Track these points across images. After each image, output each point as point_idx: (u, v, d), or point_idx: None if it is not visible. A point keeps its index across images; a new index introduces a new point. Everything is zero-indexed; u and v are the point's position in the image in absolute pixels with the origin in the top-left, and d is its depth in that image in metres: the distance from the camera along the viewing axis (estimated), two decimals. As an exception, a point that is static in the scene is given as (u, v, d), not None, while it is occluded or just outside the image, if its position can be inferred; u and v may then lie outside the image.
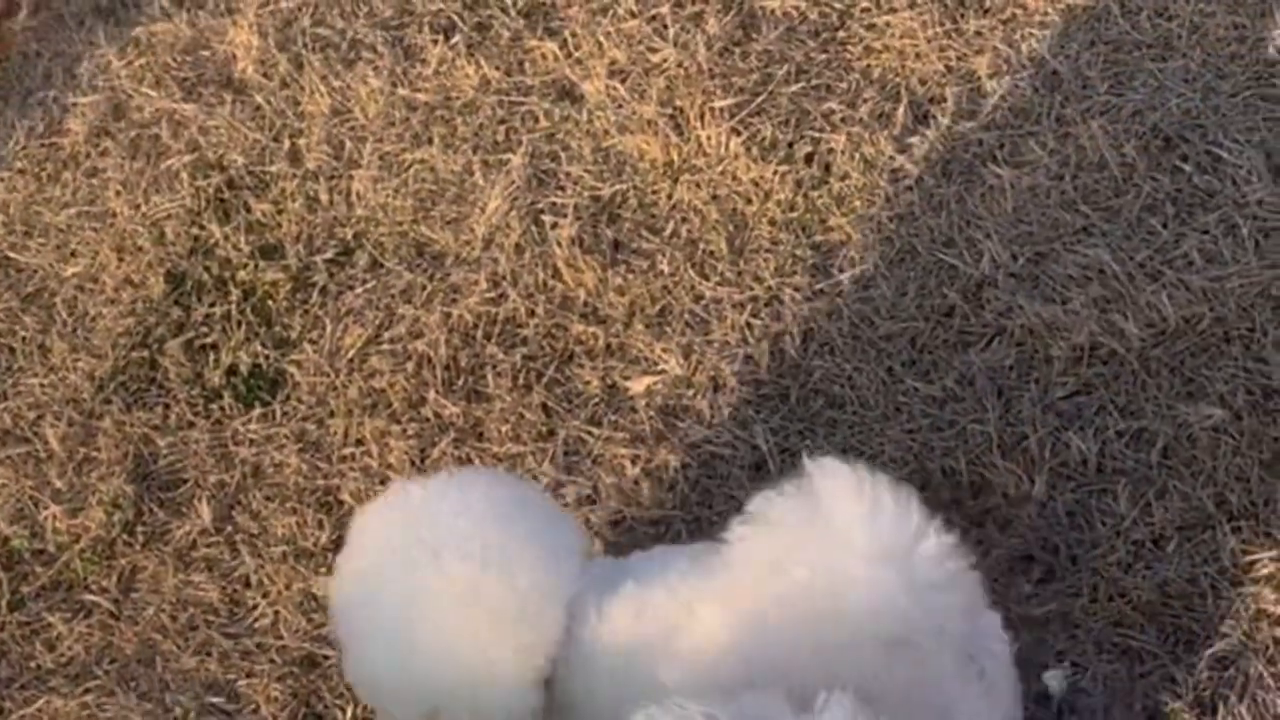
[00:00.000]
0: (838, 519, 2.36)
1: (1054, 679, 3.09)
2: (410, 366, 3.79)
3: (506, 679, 2.56)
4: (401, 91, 4.29)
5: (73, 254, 4.20)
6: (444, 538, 2.59)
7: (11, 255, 4.22)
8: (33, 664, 3.57)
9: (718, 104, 4.05)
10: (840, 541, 2.35)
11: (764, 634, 2.39)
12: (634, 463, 3.58)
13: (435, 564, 2.57)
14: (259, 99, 4.39)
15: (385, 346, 3.85)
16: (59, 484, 3.79)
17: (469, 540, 2.59)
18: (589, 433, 3.64)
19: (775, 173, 3.94)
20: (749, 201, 3.92)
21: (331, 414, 3.76)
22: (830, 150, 3.95)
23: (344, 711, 3.35)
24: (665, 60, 4.20)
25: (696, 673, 2.43)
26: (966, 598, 2.42)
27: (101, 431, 3.86)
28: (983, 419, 3.45)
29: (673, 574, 2.54)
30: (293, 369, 3.86)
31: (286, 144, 4.29)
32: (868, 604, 2.33)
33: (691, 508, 3.49)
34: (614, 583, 2.58)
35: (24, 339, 4.07)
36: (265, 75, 4.42)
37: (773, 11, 4.24)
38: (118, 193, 4.27)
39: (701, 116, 4.05)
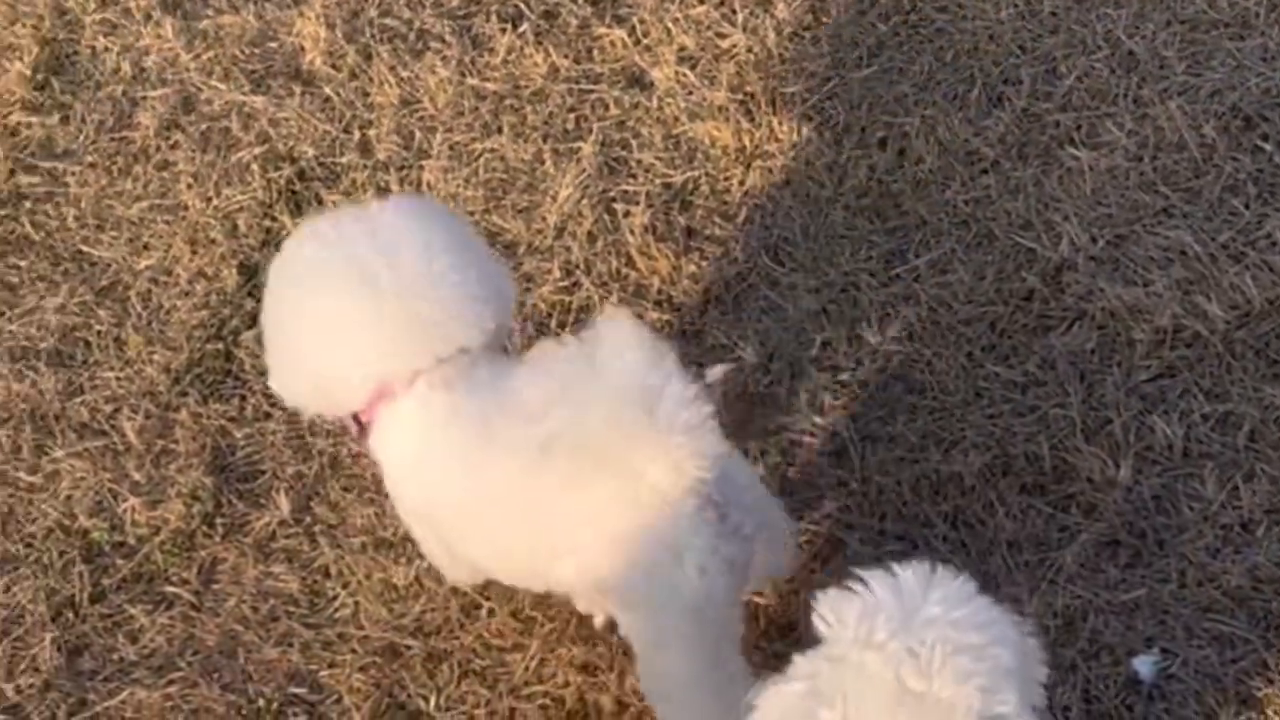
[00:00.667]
0: (600, 362, 2.63)
1: (1144, 665, 3.07)
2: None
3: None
4: (470, 81, 4.29)
5: (145, 247, 4.21)
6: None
7: (85, 249, 4.23)
8: (116, 656, 3.58)
9: (789, 89, 4.03)
10: (599, 382, 2.63)
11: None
12: (712, 450, 3.55)
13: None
14: (328, 90, 4.39)
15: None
16: (137, 476, 3.80)
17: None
18: (666, 421, 3.62)
19: (849, 158, 3.92)
20: (822, 186, 3.90)
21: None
22: (904, 134, 3.93)
23: (427, 701, 3.35)
24: (735, 46, 4.19)
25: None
26: (709, 444, 2.62)
27: (178, 424, 3.87)
28: (1065, 403, 3.43)
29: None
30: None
31: (356, 135, 4.28)
32: (617, 439, 2.61)
33: (777, 494, 3.46)
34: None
35: (99, 332, 4.08)
36: (334, 67, 4.41)
37: (843, -5, 4.20)
38: (189, 185, 4.27)
39: (773, 102, 4.03)
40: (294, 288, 2.98)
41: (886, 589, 2.18)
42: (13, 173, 4.42)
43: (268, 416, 3.85)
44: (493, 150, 4.17)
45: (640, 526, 2.66)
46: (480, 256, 3.02)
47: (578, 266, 3.89)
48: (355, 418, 3.00)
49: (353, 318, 2.88)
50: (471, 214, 4.06)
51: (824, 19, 4.18)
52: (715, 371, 3.67)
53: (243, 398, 3.89)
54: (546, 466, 2.67)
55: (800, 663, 2.23)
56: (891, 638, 2.14)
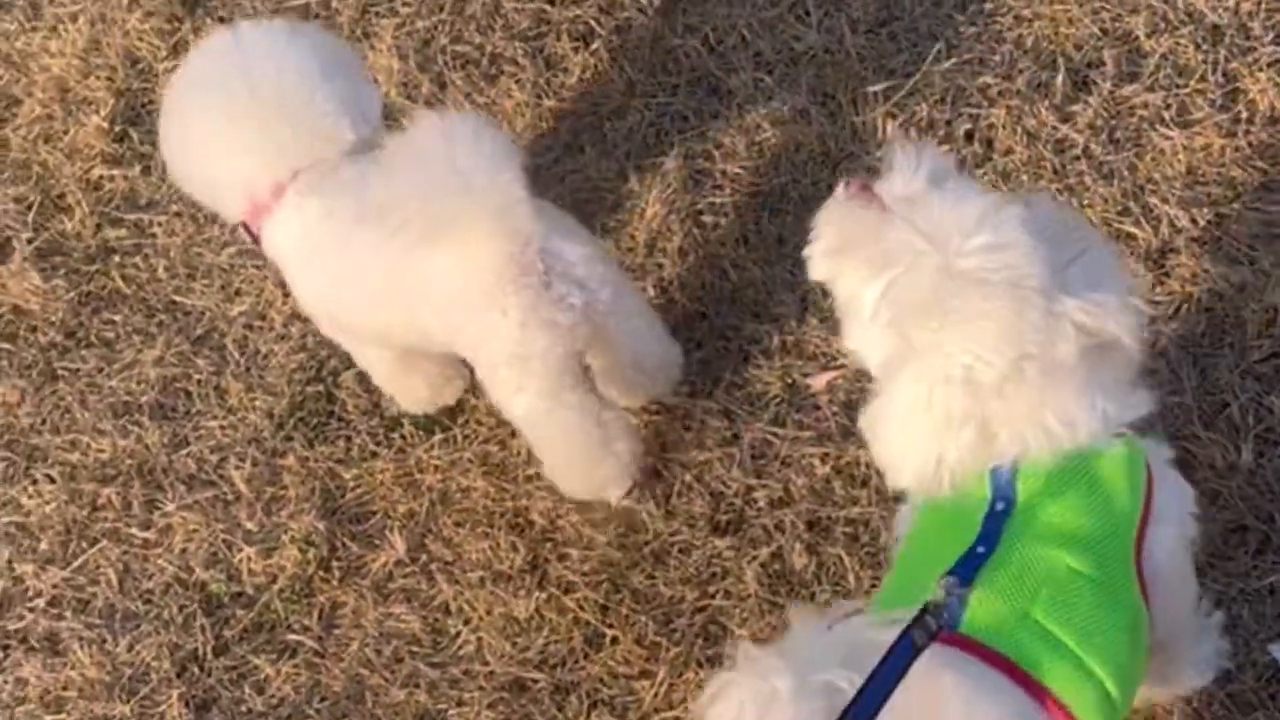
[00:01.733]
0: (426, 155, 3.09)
1: (1281, 651, 3.03)
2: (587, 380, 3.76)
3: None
4: (548, 103, 4.27)
5: (238, 293, 4.22)
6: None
7: (177, 299, 4.24)
8: (244, 708, 3.60)
9: (871, 89, 4.00)
10: (432, 173, 3.08)
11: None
12: (823, 461, 3.55)
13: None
14: (405, 123, 4.37)
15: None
16: (250, 525, 3.81)
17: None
18: (774, 434, 3.61)
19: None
20: (912, 185, 3.85)
21: (513, 434, 3.74)
22: (990, 125, 3.89)
23: (558, 735, 3.35)
24: (811, 48, 4.16)
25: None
26: (517, 222, 3.12)
27: (286, 469, 3.87)
28: (1180, 390, 3.38)
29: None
30: (469, 393, 3.84)
31: (438, 165, 4.26)
32: (446, 221, 3.10)
33: (888, 503, 3.44)
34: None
35: (199, 382, 4.09)
36: (409, 97, 4.41)
37: (915, -12, 4.16)
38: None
39: (854, 102, 4.00)
40: (175, 105, 3.45)
41: None
42: (99, 227, 4.44)
43: (374, 456, 3.85)
44: (575, 171, 4.16)
45: (476, 289, 3.15)
46: (341, 74, 3.40)
47: (671, 282, 3.88)
48: (246, 229, 3.46)
49: (218, 137, 3.32)
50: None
51: (898, 14, 4.15)
52: (819, 380, 3.65)
53: (348, 439, 3.90)
54: (396, 246, 3.11)
55: None
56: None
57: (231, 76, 3.36)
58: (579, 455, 3.53)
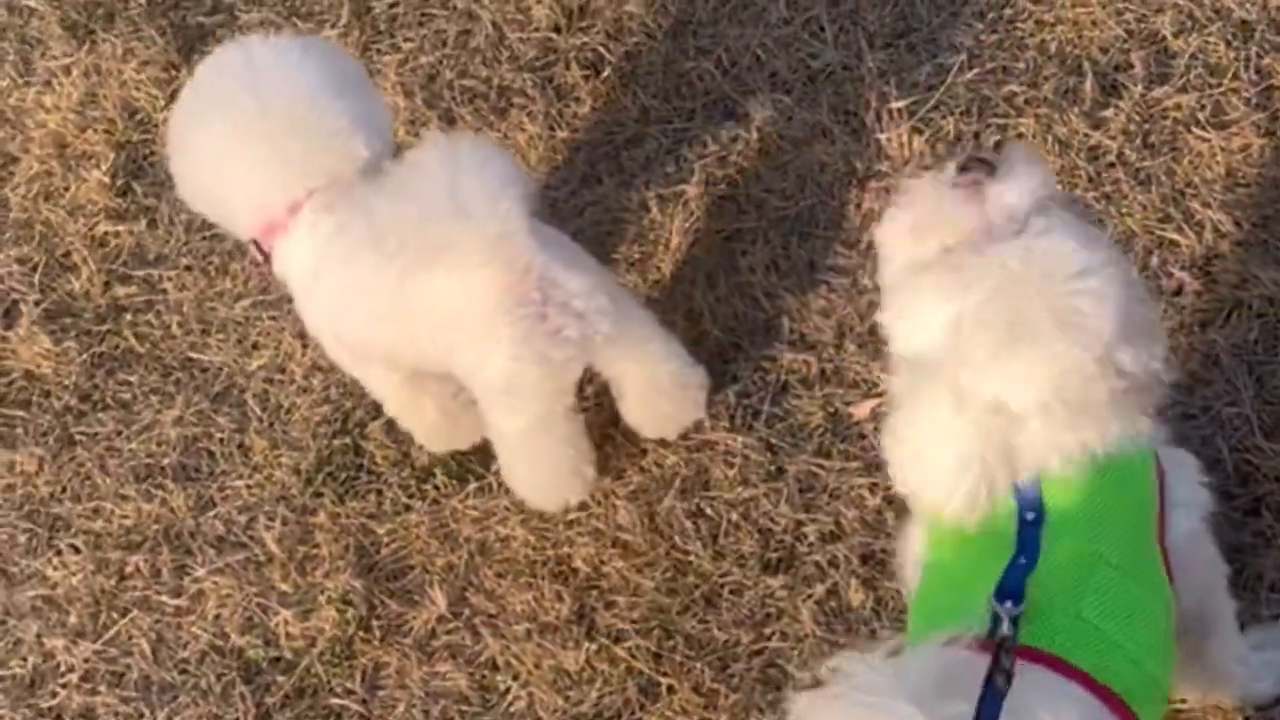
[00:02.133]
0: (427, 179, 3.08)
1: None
2: (623, 422, 3.66)
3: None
4: (561, 134, 4.18)
5: (255, 346, 4.12)
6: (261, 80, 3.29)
7: (193, 355, 4.14)
8: (292, 778, 3.49)
9: (893, 103, 3.90)
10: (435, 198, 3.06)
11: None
12: (873, 492, 3.46)
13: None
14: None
15: (592, 401, 3.73)
16: (284, 587, 3.71)
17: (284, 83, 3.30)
18: (820, 466, 3.52)
19: (966, 167, 3.77)
20: (944, 201, 3.75)
21: (550, 479, 3.64)
22: (1020, 135, 3.80)
23: (619, 790, 3.25)
24: (829, 64, 4.06)
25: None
26: (515, 251, 3.10)
27: (317, 527, 3.77)
28: (1237, 400, 3.30)
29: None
30: (498, 436, 3.74)
31: (452, 203, 4.16)
32: (444, 246, 3.07)
33: (942, 531, 3.33)
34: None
35: (221, 440, 3.99)
36: (418, 135, 4.30)
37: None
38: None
39: (878, 118, 3.91)
40: (187, 124, 3.41)
41: None
42: (108, 285, 4.34)
43: (408, 509, 3.75)
44: (594, 202, 4.06)
45: (471, 317, 3.13)
46: (353, 91, 3.37)
47: (702, 314, 3.78)
48: (257, 246, 3.40)
49: (231, 155, 3.28)
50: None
51: (915, 25, 4.05)
52: (862, 408, 3.55)
53: (379, 492, 3.80)
54: (394, 268, 3.09)
55: None
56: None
57: (242, 92, 3.32)
58: (551, 476, 3.54)
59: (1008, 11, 3.98)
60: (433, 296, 3.17)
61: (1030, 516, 2.49)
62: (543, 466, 3.52)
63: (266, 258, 3.46)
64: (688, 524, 3.53)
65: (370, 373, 3.61)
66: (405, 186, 3.16)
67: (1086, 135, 3.72)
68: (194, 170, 3.44)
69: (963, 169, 2.51)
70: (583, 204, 4.07)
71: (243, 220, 3.44)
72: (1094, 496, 2.50)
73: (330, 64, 3.42)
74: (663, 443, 3.63)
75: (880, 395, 3.55)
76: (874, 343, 3.62)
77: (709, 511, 3.53)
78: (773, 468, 3.55)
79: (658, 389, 3.51)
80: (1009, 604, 2.37)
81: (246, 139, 3.29)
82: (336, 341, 3.52)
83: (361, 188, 3.30)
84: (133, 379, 4.17)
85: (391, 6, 4.59)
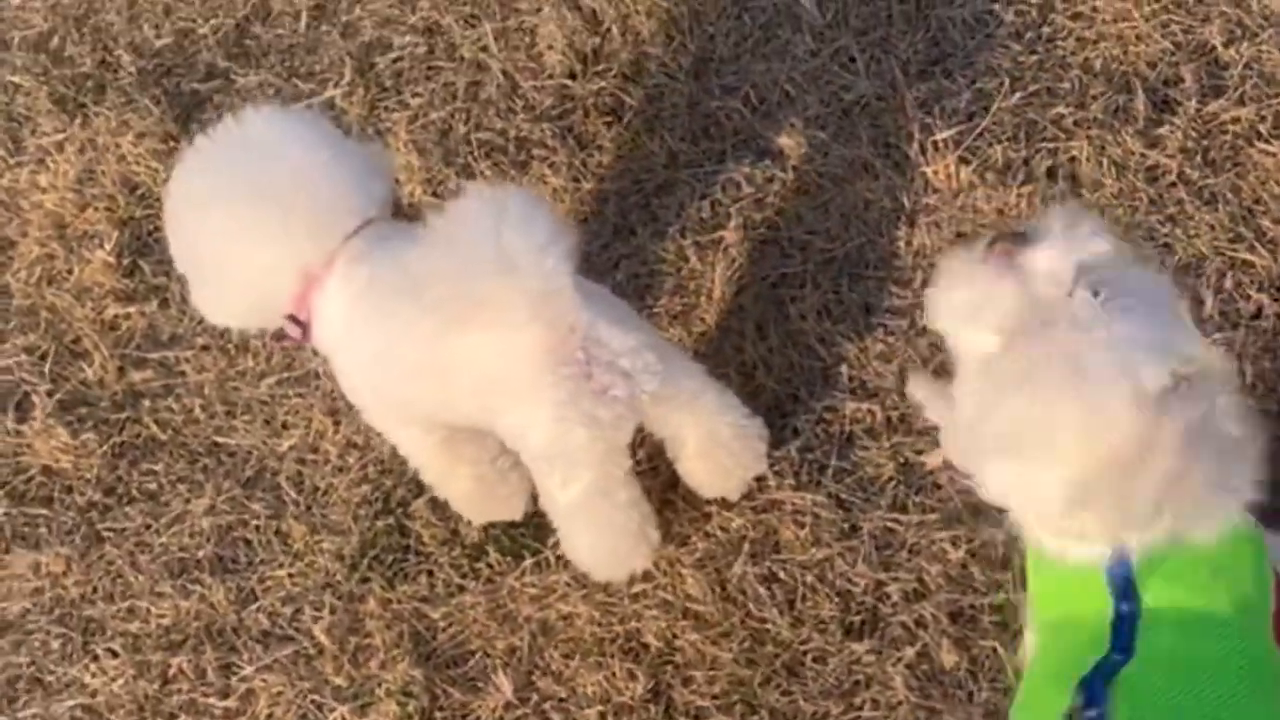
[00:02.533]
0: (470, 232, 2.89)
1: None
2: (682, 483, 3.50)
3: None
4: (587, 185, 4.01)
5: (284, 426, 3.94)
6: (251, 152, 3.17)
7: (219, 440, 3.96)
8: None
9: (939, 135, 3.74)
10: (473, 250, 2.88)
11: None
12: (955, 545, 3.30)
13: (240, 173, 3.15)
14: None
15: (645, 465, 3.56)
16: (339, 681, 3.53)
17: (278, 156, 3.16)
18: (896, 521, 3.36)
19: (1019, 195, 3.64)
20: (999, 232, 3.60)
21: (611, 552, 3.47)
22: (1072, 159, 3.65)
23: None
24: (863, 96, 3.91)
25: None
26: (560, 309, 2.94)
27: (368, 615, 3.60)
28: (1333, 428, 3.13)
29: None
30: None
31: (478, 264, 3.99)
32: (483, 301, 2.91)
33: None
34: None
35: (258, 528, 3.82)
36: (436, 194, 4.15)
37: (963, 20, 3.92)
38: (314, 351, 3.98)
39: (922, 150, 3.75)
40: (195, 211, 3.23)
41: None
42: (122, 371, 4.16)
43: (462, 590, 3.59)
44: (629, 255, 3.90)
45: (513, 377, 2.99)
46: (349, 142, 3.34)
47: (755, 366, 3.62)
48: (294, 320, 3.22)
49: (260, 221, 3.13)
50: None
51: (949, 50, 3.90)
52: (935, 456, 3.40)
53: (430, 573, 3.63)
54: (431, 323, 2.96)
55: None
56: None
57: (256, 167, 3.21)
58: (613, 545, 3.37)
59: (1045, 30, 3.83)
60: (472, 354, 3.03)
61: (1125, 609, 2.33)
62: (604, 535, 3.35)
63: (305, 330, 3.29)
64: (761, 590, 3.37)
65: (406, 435, 3.44)
66: (447, 238, 3.00)
67: (1143, 155, 3.58)
68: (217, 259, 3.25)
69: (991, 243, 2.35)
70: (616, 257, 3.90)
71: (282, 289, 3.25)
72: (1193, 580, 2.35)
73: (317, 125, 3.36)
74: (726, 505, 3.46)
75: (953, 442, 3.38)
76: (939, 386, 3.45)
77: (782, 575, 3.37)
78: (846, 525, 3.38)
79: (716, 443, 3.36)
80: (1092, 712, 2.19)
81: (274, 200, 3.17)
82: (374, 398, 3.35)
83: (397, 238, 3.20)
84: (158, 468, 3.99)
85: (396, 61, 4.43)
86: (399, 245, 3.16)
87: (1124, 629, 2.32)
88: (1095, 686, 2.24)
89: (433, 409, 3.27)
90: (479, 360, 3.03)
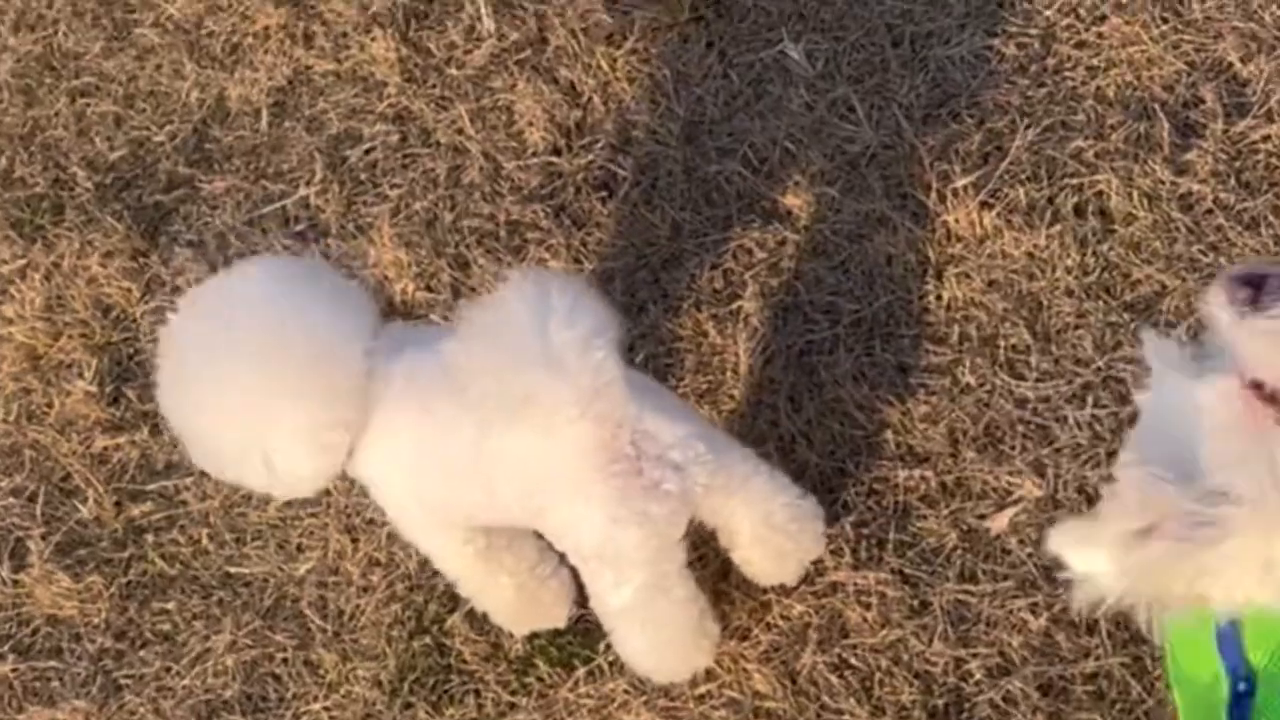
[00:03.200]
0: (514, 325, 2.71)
1: None
2: (735, 572, 3.33)
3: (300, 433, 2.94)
4: (589, 265, 3.84)
5: (299, 549, 3.75)
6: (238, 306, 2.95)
7: (233, 570, 3.77)
8: None
9: (959, 182, 3.59)
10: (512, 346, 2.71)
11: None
12: (1035, 612, 3.14)
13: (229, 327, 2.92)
14: (434, 317, 3.94)
15: (693, 556, 3.38)
16: (395, 819, 3.33)
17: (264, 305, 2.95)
18: (968, 592, 3.21)
19: (1048, 237, 3.50)
20: (1032, 278, 3.47)
21: (668, 652, 3.30)
22: (1099, 194, 3.51)
23: None
24: (868, 147, 3.76)
25: None
26: (610, 404, 2.77)
27: (417, 744, 3.40)
28: None
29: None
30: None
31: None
32: (527, 399, 2.74)
33: (1122, 645, 3.03)
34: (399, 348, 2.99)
35: (285, 660, 3.62)
36: (430, 288, 3.97)
37: (962, 59, 3.78)
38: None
39: (941, 198, 3.60)
40: (198, 380, 2.99)
41: None
42: (120, 505, 3.95)
43: (513, 708, 3.41)
44: (644, 335, 3.73)
45: (561, 475, 2.86)
46: (338, 278, 3.17)
47: (794, 441, 3.46)
48: None
49: (278, 388, 2.92)
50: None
51: (953, 90, 3.76)
52: (998, 520, 3.24)
53: (477, 693, 3.45)
54: (474, 422, 2.84)
55: None
56: None
57: (254, 328, 2.99)
58: (672, 644, 3.21)
59: (1050, 61, 3.70)
60: (517, 453, 2.90)
61: (1242, 688, 2.17)
62: (661, 635, 3.19)
63: None
64: (834, 679, 3.20)
65: (444, 542, 3.26)
66: (488, 331, 2.83)
67: (1174, 183, 3.45)
68: (227, 430, 3.02)
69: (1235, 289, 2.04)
70: (631, 338, 3.73)
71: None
72: None
73: (308, 269, 3.23)
74: (785, 591, 3.30)
75: (1015, 503, 3.24)
76: (992, 444, 3.31)
77: (854, 661, 3.21)
78: (915, 602, 3.23)
79: (772, 527, 3.19)
80: None
81: (292, 365, 2.97)
82: (415, 504, 3.17)
83: (418, 337, 3.10)
84: (170, 606, 3.79)
85: (368, 153, 4.25)
86: (427, 342, 3.01)
87: (1238, 712, 2.16)
88: None
89: (476, 510, 3.11)
90: (525, 459, 2.89)
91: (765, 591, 3.32)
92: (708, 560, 3.39)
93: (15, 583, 3.93)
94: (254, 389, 2.95)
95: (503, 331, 2.79)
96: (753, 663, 3.26)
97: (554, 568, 3.30)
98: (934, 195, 3.61)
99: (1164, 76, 3.60)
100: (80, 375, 4.18)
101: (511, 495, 3.01)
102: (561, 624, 3.39)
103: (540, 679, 3.42)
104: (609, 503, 2.89)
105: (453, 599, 3.52)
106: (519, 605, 3.38)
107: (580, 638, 3.42)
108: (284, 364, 2.95)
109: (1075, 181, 3.54)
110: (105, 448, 4.06)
